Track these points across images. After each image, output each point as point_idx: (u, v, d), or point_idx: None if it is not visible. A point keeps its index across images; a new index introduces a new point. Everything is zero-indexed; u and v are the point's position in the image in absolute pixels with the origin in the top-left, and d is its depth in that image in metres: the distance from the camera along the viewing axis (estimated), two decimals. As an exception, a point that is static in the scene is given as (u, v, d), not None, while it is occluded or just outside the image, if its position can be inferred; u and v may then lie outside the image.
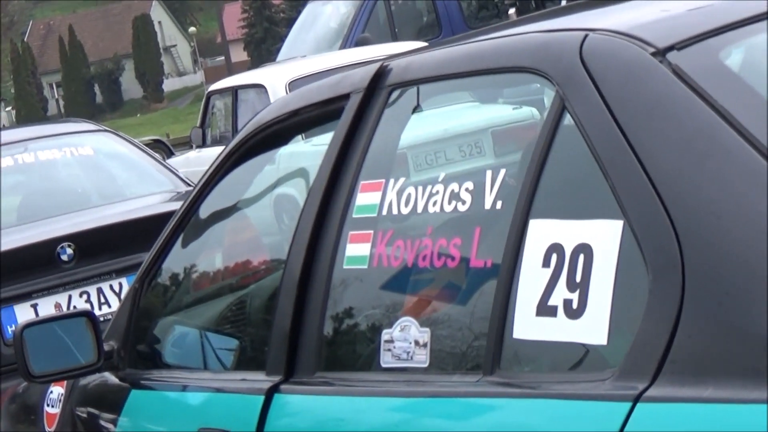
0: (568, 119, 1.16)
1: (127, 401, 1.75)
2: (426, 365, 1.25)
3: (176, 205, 2.47)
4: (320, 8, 8.90)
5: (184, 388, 1.69)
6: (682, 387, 0.96)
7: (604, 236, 1.07)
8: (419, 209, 1.31)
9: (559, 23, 1.34)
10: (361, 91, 1.44)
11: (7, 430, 2.15)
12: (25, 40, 52.24)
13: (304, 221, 1.44)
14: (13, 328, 3.36)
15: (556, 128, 1.16)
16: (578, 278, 1.08)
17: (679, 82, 1.08)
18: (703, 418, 0.93)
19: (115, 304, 3.46)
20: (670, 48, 1.11)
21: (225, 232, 1.91)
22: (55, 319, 1.74)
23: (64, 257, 3.48)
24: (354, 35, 8.19)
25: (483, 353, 1.17)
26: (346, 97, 1.47)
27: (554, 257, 1.11)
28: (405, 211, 1.32)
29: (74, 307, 3.46)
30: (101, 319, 2.40)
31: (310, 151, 1.81)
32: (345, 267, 1.38)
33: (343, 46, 8.07)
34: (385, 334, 1.30)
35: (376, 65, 1.46)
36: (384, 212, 1.34)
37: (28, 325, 1.71)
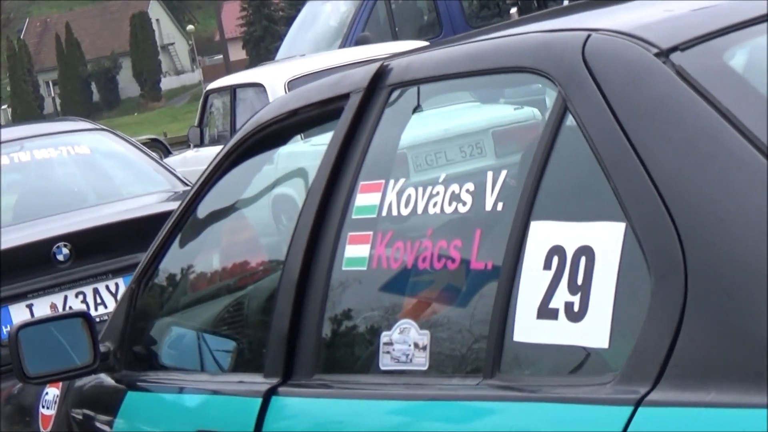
0: (570, 120, 1.15)
1: (123, 403, 1.74)
2: (425, 368, 1.25)
3: (173, 205, 2.47)
4: (320, 7, 8.89)
5: (181, 390, 1.68)
6: (685, 391, 0.96)
7: (606, 238, 1.07)
8: (419, 210, 1.30)
9: (562, 23, 1.34)
10: (361, 90, 1.43)
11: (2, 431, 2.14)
12: (22, 37, 52.20)
13: (303, 222, 1.44)
14: (8, 328, 3.34)
15: (557, 129, 1.16)
16: (580, 281, 1.08)
17: (682, 83, 1.07)
18: (706, 423, 0.93)
19: (112, 305, 3.45)
20: (674, 49, 1.11)
21: (223, 232, 1.90)
22: (50, 319, 1.73)
23: (60, 257, 3.46)
24: (354, 34, 8.18)
25: (483, 356, 1.17)
26: (345, 96, 1.46)
27: (555, 259, 1.10)
28: (405, 212, 1.31)
29: (70, 307, 3.45)
30: (97, 319, 2.39)
31: (309, 151, 1.80)
32: (344, 268, 1.38)
33: (343, 45, 8.06)
34: (385, 337, 1.30)
35: (377, 65, 1.45)
36: (384, 213, 1.34)
37: (24, 326, 1.70)
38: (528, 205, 1.15)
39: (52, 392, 1.98)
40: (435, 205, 1.28)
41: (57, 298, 3.49)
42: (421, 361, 1.25)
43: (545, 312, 1.10)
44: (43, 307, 3.47)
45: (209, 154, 5.55)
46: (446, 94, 1.50)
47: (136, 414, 1.73)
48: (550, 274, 1.10)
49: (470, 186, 1.25)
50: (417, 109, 1.39)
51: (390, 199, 1.33)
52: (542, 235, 1.13)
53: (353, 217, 1.38)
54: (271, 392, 1.41)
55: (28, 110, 45.48)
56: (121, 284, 3.52)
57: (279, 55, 8.90)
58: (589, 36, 1.16)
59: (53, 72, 49.91)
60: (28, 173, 3.99)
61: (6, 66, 48.53)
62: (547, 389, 1.09)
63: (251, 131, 1.65)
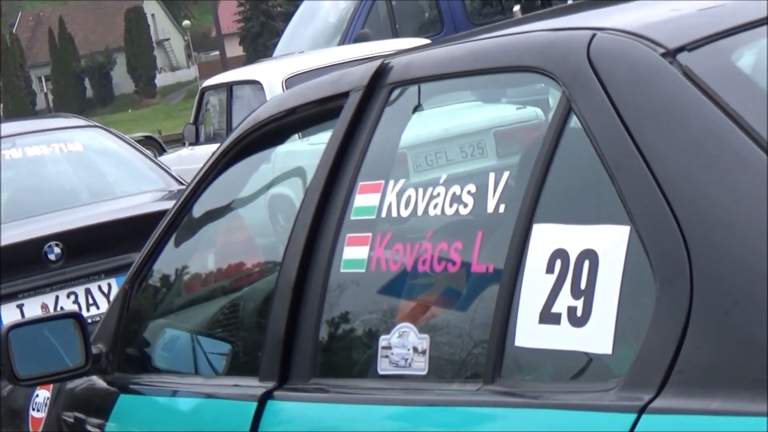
0: (574, 120, 1.14)
1: (115, 406, 1.73)
2: (424, 373, 1.24)
3: (168, 204, 2.45)
4: (319, 3, 8.87)
5: (175, 394, 1.66)
6: (689, 398, 0.95)
7: (610, 242, 1.06)
8: (419, 211, 1.29)
9: (566, 22, 1.33)
10: (361, 89, 1.42)
11: (-8, 433, 2.12)
12: (14, 31, 52.09)
13: (301, 222, 1.42)
14: (-1, 328, 3.31)
15: (561, 129, 1.15)
16: (583, 285, 1.07)
17: (689, 83, 1.07)
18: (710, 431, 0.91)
19: (104, 306, 3.43)
20: (681, 49, 1.10)
21: (218, 232, 1.88)
22: (41, 320, 1.71)
23: (52, 256, 3.44)
24: (353, 31, 8.16)
25: (483, 361, 1.16)
26: (345, 95, 1.45)
27: (558, 263, 1.09)
28: (405, 213, 1.30)
29: (61, 308, 3.42)
30: (89, 321, 2.37)
31: (308, 150, 1.78)
32: (342, 270, 1.36)
33: (342, 43, 8.04)
34: (383, 340, 1.28)
35: (377, 63, 1.44)
36: (383, 214, 1.33)
37: (14, 327, 1.68)
38: (530, 207, 1.14)
39: (43, 394, 1.96)
40: (435, 206, 1.27)
41: (48, 299, 3.47)
42: (421, 365, 1.24)
43: (547, 316, 1.09)
44: (33, 308, 3.45)
45: (205, 152, 5.53)
46: (447, 93, 1.49)
47: (128, 417, 1.72)
48: (552, 277, 1.09)
49: (471, 187, 1.24)
50: (417, 108, 1.38)
51: (389, 199, 1.32)
52: (545, 238, 1.12)
53: (352, 217, 1.36)
54: (267, 396, 1.40)
55: (19, 106, 45.41)
56: (114, 285, 3.50)
57: (277, 51, 8.87)
58: (594, 35, 1.15)
59: (46, 67, 49.85)
60: (20, 171, 3.96)
61: (-3, 60, 48.43)
62: (548, 395, 1.08)
63: (248, 129, 1.64)
